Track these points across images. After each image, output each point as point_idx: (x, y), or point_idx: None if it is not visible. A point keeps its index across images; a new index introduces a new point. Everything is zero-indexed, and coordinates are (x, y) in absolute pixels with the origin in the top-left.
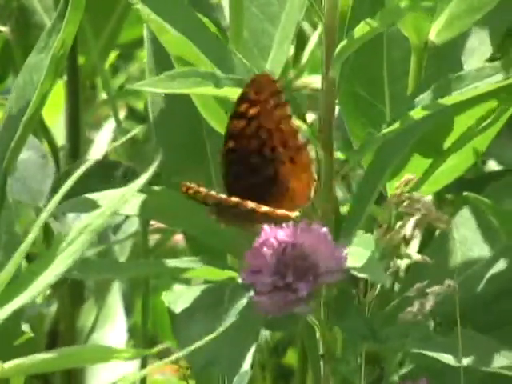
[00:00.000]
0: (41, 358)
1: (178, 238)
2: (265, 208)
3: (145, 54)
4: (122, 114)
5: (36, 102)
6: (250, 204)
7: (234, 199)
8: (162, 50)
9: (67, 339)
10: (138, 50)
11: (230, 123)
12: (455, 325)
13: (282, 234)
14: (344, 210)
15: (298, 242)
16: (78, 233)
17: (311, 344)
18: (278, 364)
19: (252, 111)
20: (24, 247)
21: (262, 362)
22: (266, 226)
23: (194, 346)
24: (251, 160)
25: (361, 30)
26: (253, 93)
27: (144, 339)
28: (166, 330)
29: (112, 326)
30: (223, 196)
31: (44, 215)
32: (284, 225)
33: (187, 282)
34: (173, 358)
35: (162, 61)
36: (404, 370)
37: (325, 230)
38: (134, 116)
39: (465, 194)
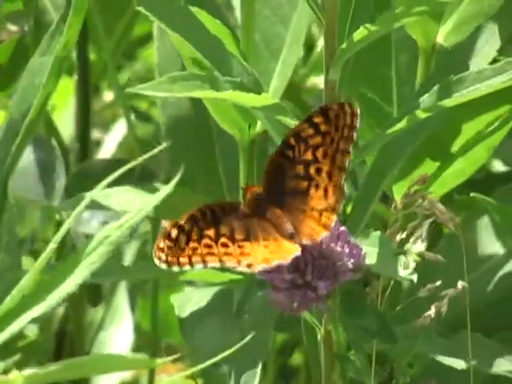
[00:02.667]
0: (57, 368)
1: None
2: (244, 260)
3: (148, 53)
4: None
5: (38, 104)
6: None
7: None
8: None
9: (75, 339)
10: (140, 48)
11: (302, 124)
12: (461, 326)
13: None
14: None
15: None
16: (98, 244)
17: (312, 345)
18: (281, 364)
19: (323, 128)
20: (43, 259)
21: (264, 362)
22: None
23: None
24: (297, 166)
25: (361, 33)
26: (333, 113)
27: (153, 339)
28: (172, 329)
29: (119, 326)
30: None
31: (66, 227)
32: None
33: (194, 282)
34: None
35: (175, 61)
36: (413, 371)
37: (343, 228)
38: (138, 116)
39: (472, 194)
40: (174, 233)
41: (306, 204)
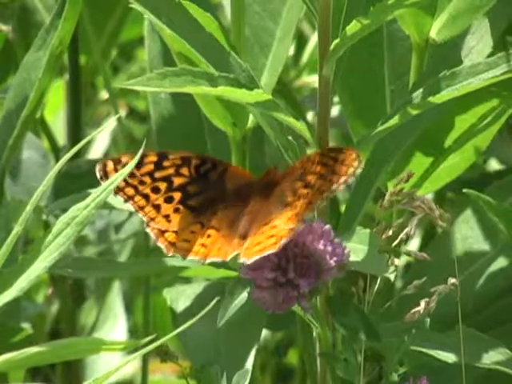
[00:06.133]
0: (37, 351)
1: None
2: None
3: (145, 54)
4: (123, 113)
5: (34, 99)
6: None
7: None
8: (165, 47)
9: None
10: (138, 49)
11: (320, 152)
12: (454, 322)
13: None
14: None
15: (299, 239)
16: (65, 225)
17: (308, 343)
18: (278, 364)
19: (331, 162)
20: (10, 240)
21: (262, 362)
22: None
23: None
24: (294, 180)
25: (353, 27)
26: (343, 156)
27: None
28: (167, 328)
29: (112, 325)
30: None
31: (30, 207)
32: None
33: (188, 281)
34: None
35: (166, 59)
36: (404, 369)
37: (327, 226)
38: (135, 115)
39: (465, 190)
40: (151, 159)
41: (274, 217)
